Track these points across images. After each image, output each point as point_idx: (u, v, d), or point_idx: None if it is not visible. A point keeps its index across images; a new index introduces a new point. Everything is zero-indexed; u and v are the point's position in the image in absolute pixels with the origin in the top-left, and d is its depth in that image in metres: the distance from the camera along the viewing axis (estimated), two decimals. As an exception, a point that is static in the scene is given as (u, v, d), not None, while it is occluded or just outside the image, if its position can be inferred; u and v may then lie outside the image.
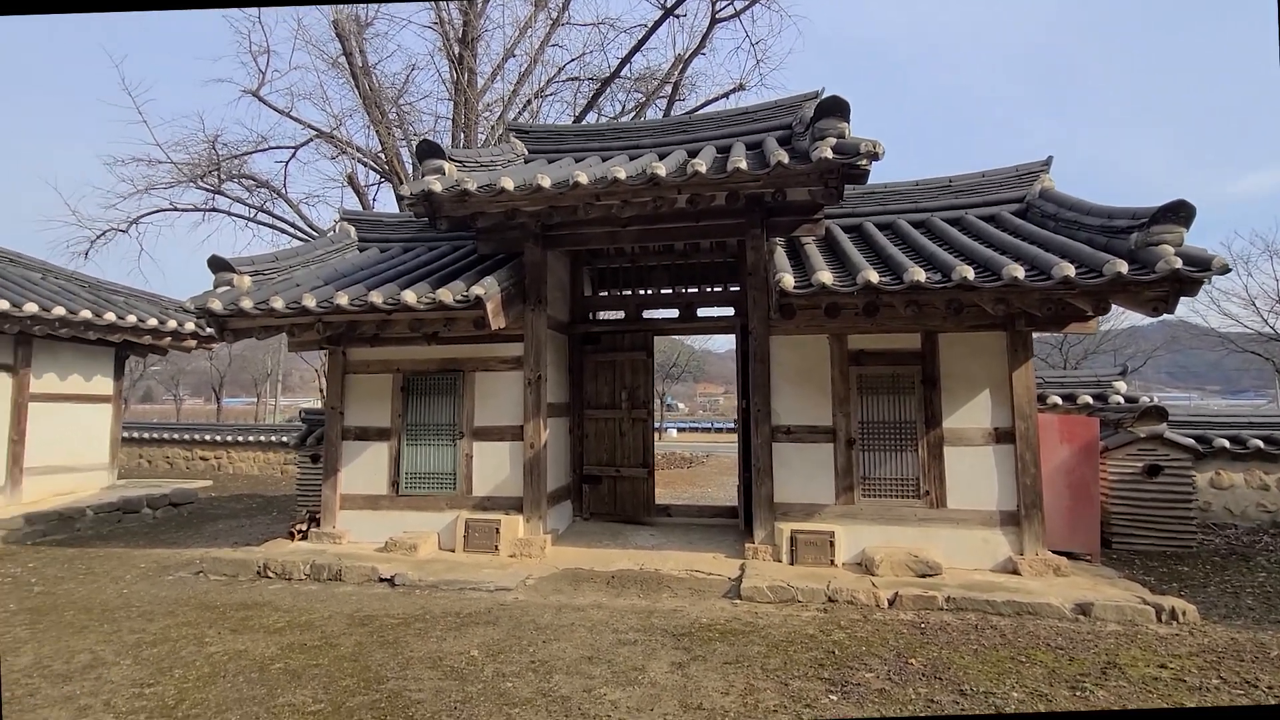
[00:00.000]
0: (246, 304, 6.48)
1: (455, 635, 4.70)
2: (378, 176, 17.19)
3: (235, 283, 6.92)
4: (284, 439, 15.27)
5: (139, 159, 16.16)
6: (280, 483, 14.59)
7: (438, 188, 6.38)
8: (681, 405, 63.82)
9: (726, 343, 48.00)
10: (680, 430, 43.74)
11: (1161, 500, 7.52)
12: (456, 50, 15.81)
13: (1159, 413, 7.78)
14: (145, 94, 55.11)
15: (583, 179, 6.03)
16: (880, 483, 6.49)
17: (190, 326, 9.98)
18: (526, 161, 8.09)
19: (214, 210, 17.21)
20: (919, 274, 5.22)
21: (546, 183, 6.11)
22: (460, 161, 7.08)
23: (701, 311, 8.77)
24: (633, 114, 17.19)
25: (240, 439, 16.55)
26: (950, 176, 7.84)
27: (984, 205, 7.44)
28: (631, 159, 6.98)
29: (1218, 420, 9.16)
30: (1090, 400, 9.05)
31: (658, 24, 16.11)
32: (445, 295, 6.16)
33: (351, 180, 16.91)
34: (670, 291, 9.13)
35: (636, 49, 16.43)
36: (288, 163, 17.80)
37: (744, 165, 5.82)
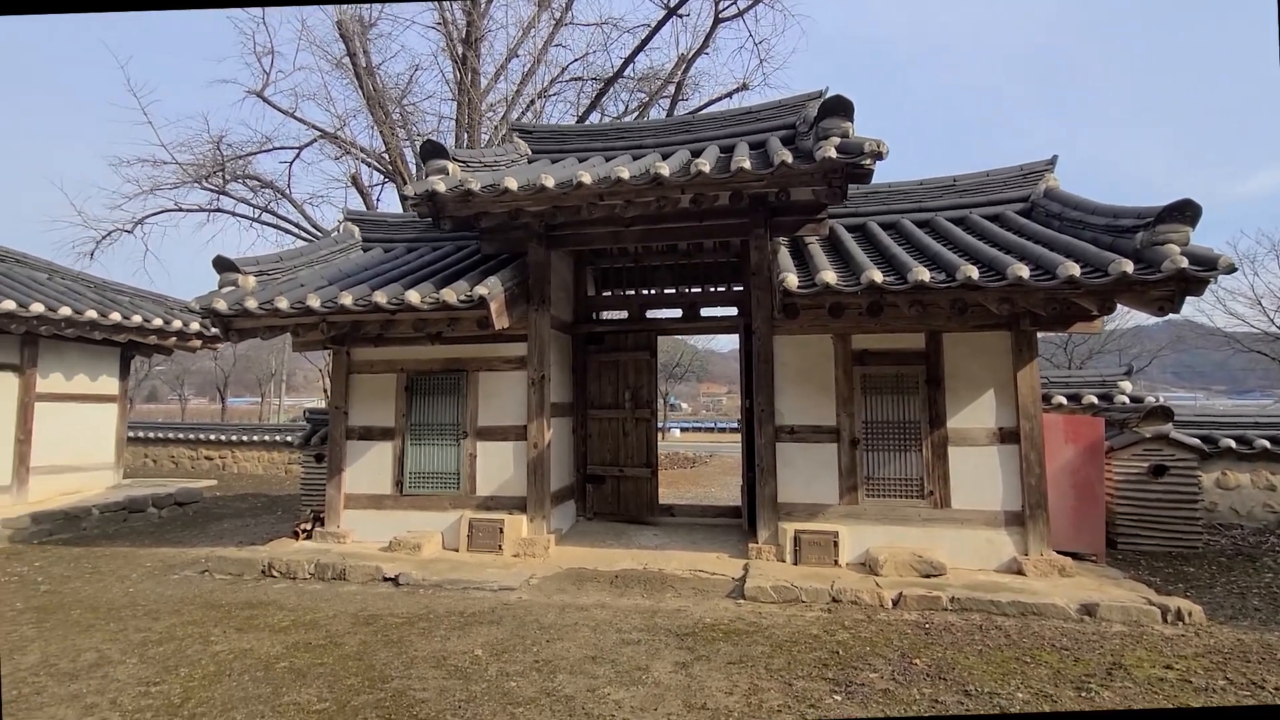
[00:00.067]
0: (251, 304, 6.50)
1: (459, 635, 4.72)
2: (381, 177, 17.26)
3: (240, 283, 6.94)
4: (288, 438, 15.31)
5: (144, 160, 16.26)
6: (285, 482, 14.63)
7: (441, 188, 6.39)
8: (685, 405, 63.86)
9: (730, 342, 48.03)
10: (684, 430, 43.82)
11: (1167, 500, 7.49)
12: (460, 50, 15.83)
13: (1164, 412, 7.74)
14: (150, 95, 55.39)
15: (586, 179, 6.03)
16: (884, 483, 6.48)
17: (195, 326, 10.01)
18: (530, 161, 8.10)
19: (219, 211, 17.31)
20: (923, 273, 5.21)
21: (550, 183, 6.12)
22: (464, 161, 7.10)
23: (705, 311, 8.77)
24: (636, 114, 17.19)
25: (245, 438, 16.60)
26: (954, 176, 7.81)
27: (988, 204, 7.41)
28: (635, 159, 6.98)
29: (1223, 420, 9.09)
30: (1095, 400, 9.03)
31: (661, 24, 16.12)
32: (449, 295, 6.17)
33: (355, 180, 16.97)
34: (674, 291, 9.13)
35: (640, 49, 16.46)
36: (292, 163, 17.81)
37: (748, 165, 5.81)
